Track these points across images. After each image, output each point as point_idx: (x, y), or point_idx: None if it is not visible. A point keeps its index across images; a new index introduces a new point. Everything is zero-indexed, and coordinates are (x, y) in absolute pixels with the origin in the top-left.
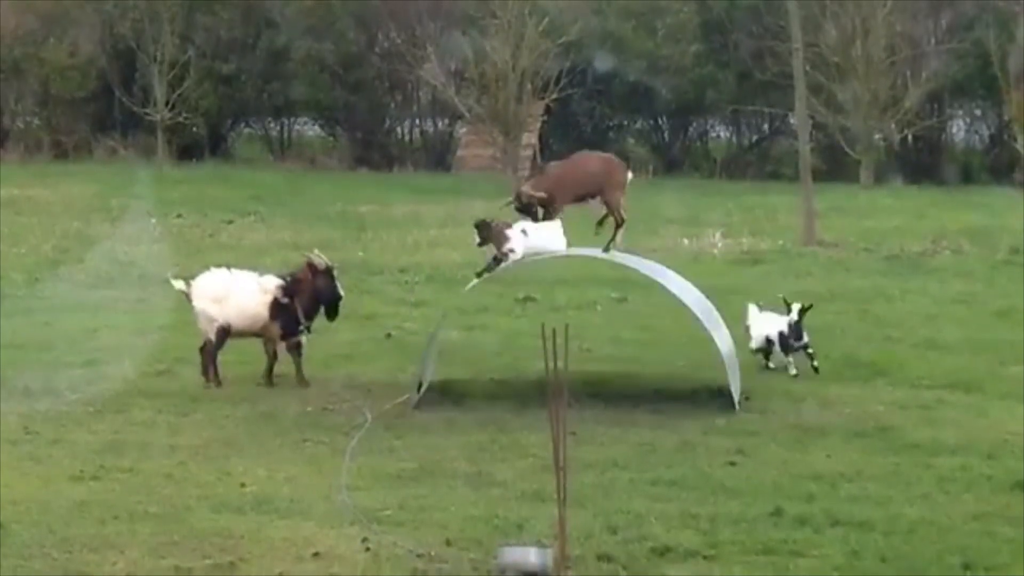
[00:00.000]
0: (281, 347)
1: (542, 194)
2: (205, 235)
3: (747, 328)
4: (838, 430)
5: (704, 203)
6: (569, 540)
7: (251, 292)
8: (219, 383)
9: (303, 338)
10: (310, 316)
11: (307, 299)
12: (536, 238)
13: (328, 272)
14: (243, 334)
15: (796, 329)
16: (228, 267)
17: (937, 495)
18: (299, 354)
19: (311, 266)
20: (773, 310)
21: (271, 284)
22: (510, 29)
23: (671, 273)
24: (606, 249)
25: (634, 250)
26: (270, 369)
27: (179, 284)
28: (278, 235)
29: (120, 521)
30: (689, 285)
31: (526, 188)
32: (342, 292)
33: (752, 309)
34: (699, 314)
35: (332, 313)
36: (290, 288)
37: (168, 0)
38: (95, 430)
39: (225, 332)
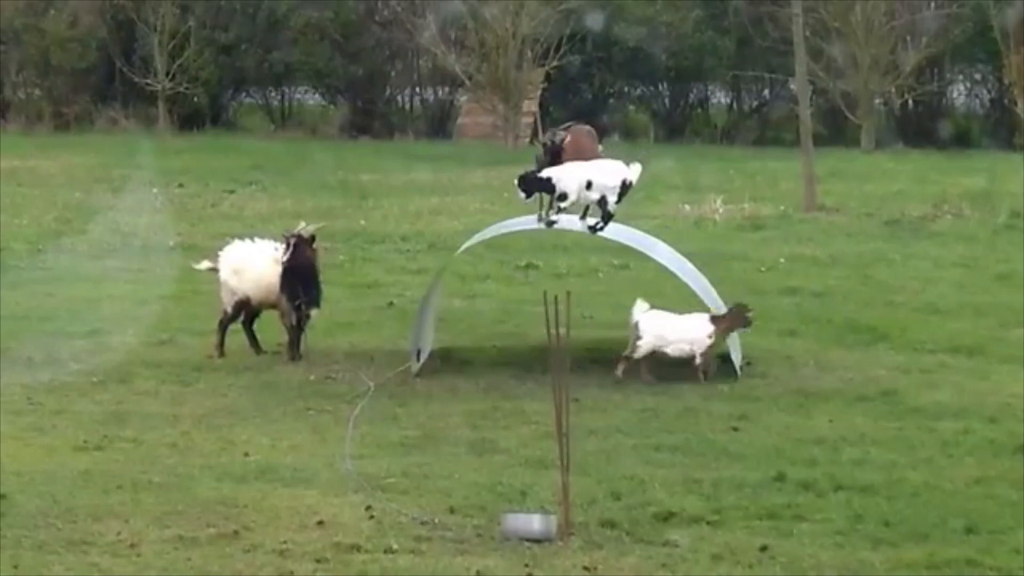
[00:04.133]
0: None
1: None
2: (207, 205)
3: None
4: (840, 395)
5: (705, 169)
6: (572, 506)
7: (266, 263)
8: (222, 354)
9: (312, 312)
10: (308, 291)
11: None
12: None
13: (296, 243)
14: (263, 305)
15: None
16: (252, 238)
17: (939, 459)
18: (303, 329)
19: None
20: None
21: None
22: None
23: (659, 243)
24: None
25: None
26: (290, 342)
27: (204, 264)
28: (279, 204)
29: (124, 491)
30: (677, 254)
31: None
32: (286, 258)
33: None
34: (689, 281)
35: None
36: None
37: None
38: (98, 400)
39: (242, 305)
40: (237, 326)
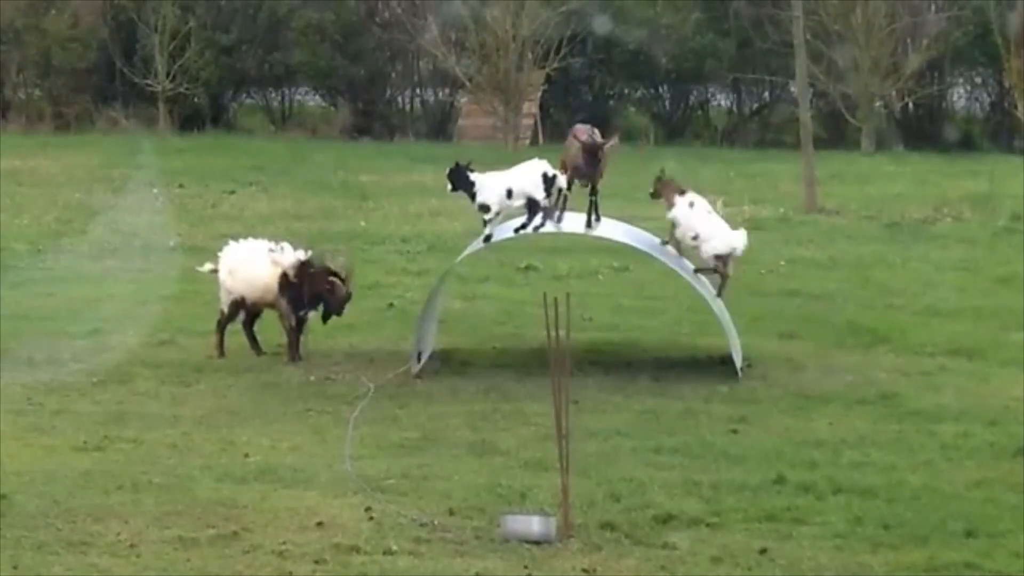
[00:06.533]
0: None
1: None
2: (207, 205)
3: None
4: (840, 397)
5: (705, 171)
6: (572, 508)
7: (261, 263)
8: (222, 354)
9: (309, 313)
10: (313, 305)
11: (313, 292)
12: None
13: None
14: (259, 305)
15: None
16: (248, 238)
17: (939, 462)
18: (301, 330)
19: (329, 276)
20: None
21: (286, 257)
22: None
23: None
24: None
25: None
26: (290, 344)
27: (207, 266)
28: (279, 205)
29: (124, 491)
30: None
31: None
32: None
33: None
34: (695, 283)
35: (326, 318)
36: (302, 270)
37: None
38: (98, 400)
39: (238, 305)
40: (238, 327)
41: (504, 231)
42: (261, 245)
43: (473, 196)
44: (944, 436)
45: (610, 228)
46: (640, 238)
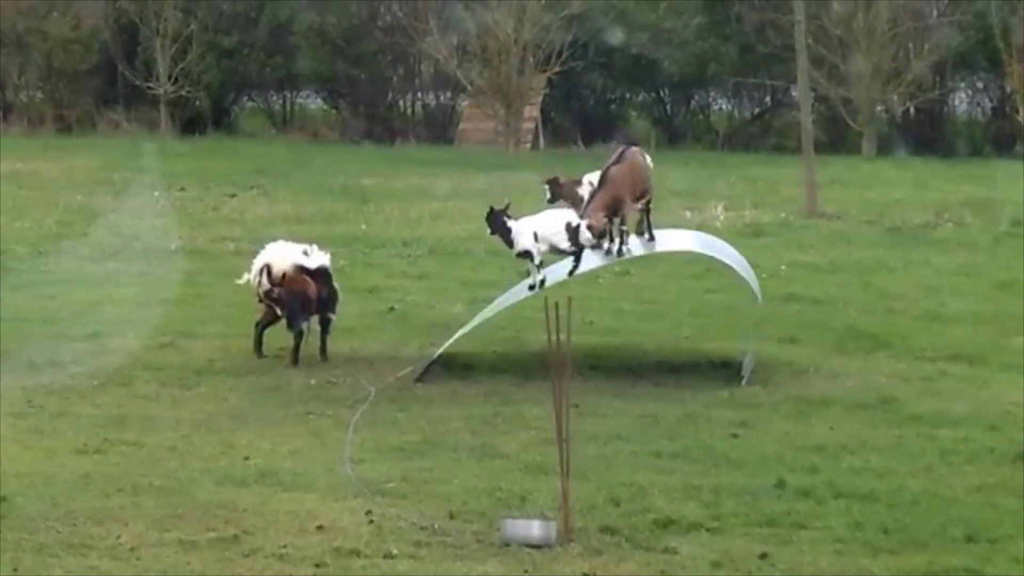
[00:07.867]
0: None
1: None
2: (208, 208)
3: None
4: (841, 402)
5: (706, 175)
6: (572, 512)
7: (286, 262)
8: (259, 354)
9: (331, 315)
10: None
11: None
12: None
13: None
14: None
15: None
16: (287, 240)
17: (940, 467)
18: (326, 330)
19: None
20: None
21: (311, 261)
22: (513, 2)
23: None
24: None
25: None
26: (295, 347)
27: (245, 277)
28: (280, 208)
29: (124, 494)
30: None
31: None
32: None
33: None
34: (752, 284)
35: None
36: (297, 273)
37: None
38: (99, 403)
39: (267, 271)
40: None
41: (554, 274)
42: (297, 247)
43: (510, 244)
44: (944, 441)
45: (671, 239)
46: (705, 242)
